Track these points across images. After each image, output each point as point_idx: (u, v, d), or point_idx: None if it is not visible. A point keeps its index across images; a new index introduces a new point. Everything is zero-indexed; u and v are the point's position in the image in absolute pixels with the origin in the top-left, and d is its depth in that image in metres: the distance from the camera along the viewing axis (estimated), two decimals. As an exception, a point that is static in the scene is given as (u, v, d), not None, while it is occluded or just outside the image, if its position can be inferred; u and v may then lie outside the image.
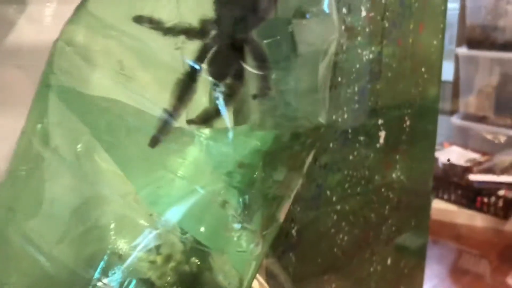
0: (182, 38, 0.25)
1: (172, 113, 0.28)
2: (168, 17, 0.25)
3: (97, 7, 0.25)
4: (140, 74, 0.25)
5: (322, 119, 0.27)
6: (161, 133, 0.28)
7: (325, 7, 0.26)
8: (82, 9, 0.26)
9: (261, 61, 0.27)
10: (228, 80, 0.27)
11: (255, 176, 0.27)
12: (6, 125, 0.37)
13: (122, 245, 0.29)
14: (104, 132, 0.28)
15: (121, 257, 0.29)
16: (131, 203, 0.28)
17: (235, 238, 0.26)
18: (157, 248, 0.29)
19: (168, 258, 0.30)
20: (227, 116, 0.27)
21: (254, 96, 0.28)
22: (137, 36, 0.24)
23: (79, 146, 0.26)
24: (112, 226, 0.29)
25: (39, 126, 0.26)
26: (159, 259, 0.30)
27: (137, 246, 0.29)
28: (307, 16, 0.28)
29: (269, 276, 0.50)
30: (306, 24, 0.26)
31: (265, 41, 0.29)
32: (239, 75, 0.27)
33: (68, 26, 0.26)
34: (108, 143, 0.28)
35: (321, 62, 0.27)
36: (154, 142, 0.28)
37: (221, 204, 0.27)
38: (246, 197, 0.27)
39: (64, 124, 0.26)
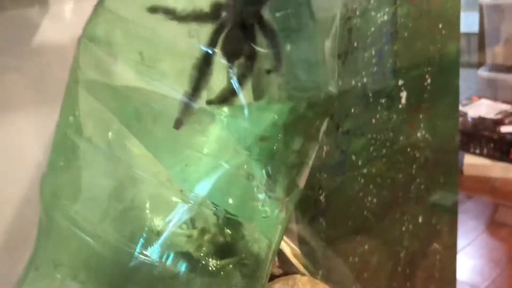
0: (195, 25, 0.26)
1: (192, 96, 0.29)
2: (182, 5, 0.26)
3: (114, 2, 0.26)
4: (159, 63, 0.27)
5: (332, 88, 0.28)
6: (184, 115, 0.30)
7: None
8: (99, 6, 0.27)
9: (272, 38, 0.28)
10: (242, 59, 0.28)
11: (275, 147, 0.28)
12: (41, 120, 0.40)
13: (158, 221, 0.31)
14: (132, 119, 0.30)
15: (158, 233, 0.31)
16: (163, 182, 0.30)
17: (261, 206, 0.28)
18: (192, 222, 0.31)
19: (203, 231, 0.32)
20: (242, 94, 0.28)
21: (268, 71, 0.29)
22: (153, 27, 0.26)
23: (110, 133, 0.28)
24: (147, 204, 0.31)
25: (71, 118, 0.28)
26: (194, 233, 0.32)
27: (171, 221, 0.31)
28: None
29: (301, 243, 0.52)
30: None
31: (277, 14, 0.30)
32: (252, 54, 0.28)
33: (89, 24, 0.27)
34: (136, 128, 0.30)
35: (327, 33, 0.28)
36: (178, 124, 0.30)
37: (245, 176, 0.29)
38: (268, 168, 0.28)
39: (94, 114, 0.28)
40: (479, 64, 1.68)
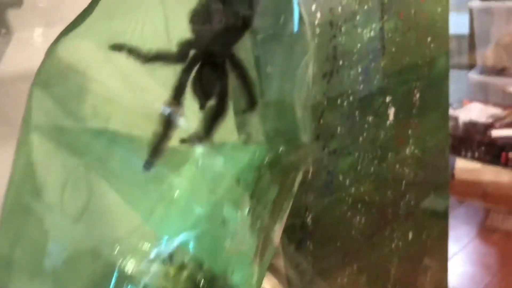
0: (159, 65, 0.24)
1: (162, 137, 0.28)
2: (147, 45, 0.25)
3: (67, 49, 0.24)
4: (114, 121, 0.25)
5: (304, 138, 0.26)
6: (154, 156, 0.28)
7: (295, 27, 0.25)
8: (51, 53, 0.25)
9: (244, 77, 0.26)
10: (214, 99, 0.27)
11: (251, 194, 0.27)
12: (3, 154, 0.38)
13: (128, 267, 0.29)
14: (97, 162, 0.28)
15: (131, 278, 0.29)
16: (136, 228, 0.28)
17: (235, 259, 0.26)
18: (164, 267, 0.30)
19: (181, 268, 0.30)
20: (215, 134, 0.27)
21: (243, 111, 0.28)
22: (106, 82, 0.24)
23: (71, 180, 0.26)
24: (117, 250, 0.29)
25: (26, 173, 0.26)
26: (172, 270, 0.31)
27: (143, 266, 0.29)
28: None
29: (288, 267, 0.51)
30: (278, 44, 0.25)
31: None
32: (224, 93, 0.26)
33: (41, 72, 0.26)
34: (104, 171, 0.28)
35: (298, 81, 0.26)
36: (148, 165, 0.28)
37: (219, 222, 0.27)
38: (245, 216, 0.27)
39: (53, 163, 0.26)
40: (470, 66, 1.67)
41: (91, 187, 0.28)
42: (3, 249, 0.25)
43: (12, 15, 0.38)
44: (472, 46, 1.67)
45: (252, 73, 0.26)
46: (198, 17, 0.25)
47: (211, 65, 0.26)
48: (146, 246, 0.28)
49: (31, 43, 0.38)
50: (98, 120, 0.24)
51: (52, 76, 0.25)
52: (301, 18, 0.25)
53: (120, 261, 0.30)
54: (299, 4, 0.24)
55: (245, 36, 0.26)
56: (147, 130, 0.26)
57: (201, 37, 0.26)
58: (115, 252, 0.29)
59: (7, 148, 0.38)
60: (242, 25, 0.26)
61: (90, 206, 0.28)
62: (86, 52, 0.25)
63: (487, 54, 1.62)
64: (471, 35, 1.67)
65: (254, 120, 0.27)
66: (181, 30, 0.27)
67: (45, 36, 0.39)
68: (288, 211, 0.27)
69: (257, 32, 0.26)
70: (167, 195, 0.29)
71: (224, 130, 0.28)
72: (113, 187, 0.29)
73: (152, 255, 0.29)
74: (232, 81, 0.26)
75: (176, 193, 0.29)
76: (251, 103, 0.27)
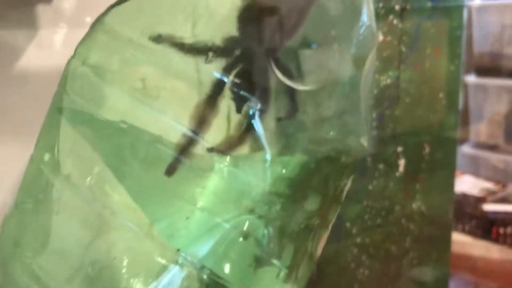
0: (204, 57, 0.23)
1: (191, 139, 0.26)
2: (191, 36, 0.23)
3: (115, 20, 0.23)
4: (164, 92, 0.23)
5: (363, 140, 0.25)
6: (179, 160, 0.26)
7: (365, 17, 0.24)
8: (98, 24, 0.24)
9: (288, 81, 0.25)
10: (254, 102, 0.25)
11: (283, 206, 0.24)
12: (13, 154, 0.35)
13: (137, 285, 0.26)
14: (118, 160, 0.26)
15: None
16: (147, 238, 0.26)
17: (263, 276, 0.24)
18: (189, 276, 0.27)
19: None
20: (256, 141, 0.25)
21: (279, 119, 0.26)
22: (162, 50, 0.22)
23: (92, 175, 0.23)
24: (126, 263, 0.26)
25: (48, 153, 0.24)
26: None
27: (152, 285, 0.26)
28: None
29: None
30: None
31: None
32: (266, 97, 0.25)
33: (83, 43, 0.24)
34: (122, 172, 0.26)
35: (360, 76, 0.25)
36: (171, 170, 0.26)
37: (246, 239, 0.25)
38: (274, 229, 0.24)
39: (76, 151, 0.24)
40: (462, 140, 1.69)
41: (107, 189, 0.26)
42: (15, 223, 0.23)
43: (37, 13, 0.37)
44: (465, 121, 1.71)
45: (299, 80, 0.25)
46: (247, 16, 0.24)
47: (256, 66, 0.25)
48: (164, 260, 0.25)
49: (53, 43, 0.37)
50: (146, 98, 0.22)
51: (97, 48, 0.23)
52: (367, 5, 0.24)
53: (126, 275, 0.27)
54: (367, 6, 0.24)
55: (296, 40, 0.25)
56: (186, 113, 0.24)
57: (247, 36, 0.25)
58: (125, 263, 0.26)
59: (15, 149, 0.35)
60: (292, 28, 0.25)
61: (104, 213, 0.25)
62: (138, 24, 0.23)
63: (480, 130, 1.65)
64: (465, 109, 1.71)
65: (291, 129, 0.26)
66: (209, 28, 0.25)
67: (67, 37, 0.38)
68: (333, 221, 0.25)
69: (311, 37, 0.25)
70: (190, 205, 0.27)
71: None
72: (131, 193, 0.26)
73: (162, 271, 0.27)
74: (274, 86, 0.25)
75: (199, 204, 0.27)
76: (293, 111, 0.25)
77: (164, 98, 0.23)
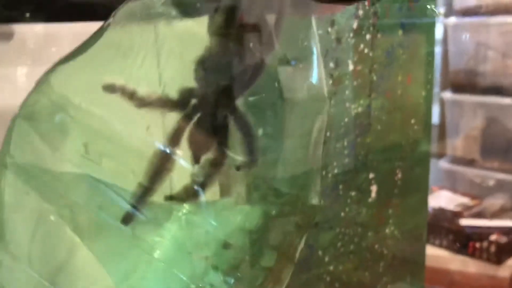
0: (152, 116, 0.23)
1: (147, 189, 0.25)
2: (144, 89, 0.23)
3: (60, 80, 0.23)
4: (106, 160, 0.22)
5: (314, 201, 0.24)
6: (135, 209, 0.25)
7: (314, 79, 0.24)
8: (43, 83, 0.23)
9: (246, 132, 0.25)
10: (211, 154, 0.25)
11: (242, 260, 0.24)
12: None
13: None
14: (72, 211, 0.25)
15: None
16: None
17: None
18: None
19: None
20: (206, 193, 0.25)
21: (238, 168, 0.26)
22: (104, 117, 0.22)
23: (44, 228, 0.23)
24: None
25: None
26: None
27: None
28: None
29: None
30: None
31: (250, 98, 0.27)
32: (222, 147, 0.25)
33: (27, 102, 0.23)
34: (76, 223, 0.25)
35: (310, 134, 0.25)
36: (128, 219, 0.26)
37: (204, 291, 0.24)
38: (231, 283, 0.24)
39: (24, 205, 0.23)
40: (439, 155, 1.71)
41: (61, 241, 0.25)
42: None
43: (-1, 50, 0.36)
44: (442, 136, 1.73)
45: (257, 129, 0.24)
46: (204, 67, 0.24)
47: (212, 116, 0.24)
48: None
49: (14, 80, 0.36)
50: (88, 160, 0.22)
51: (42, 107, 0.23)
52: (319, 71, 0.24)
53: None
54: (318, 55, 0.24)
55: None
56: (134, 178, 0.23)
57: (204, 87, 0.24)
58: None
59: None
60: (249, 80, 0.25)
61: (57, 264, 0.25)
62: (82, 86, 0.23)
63: (456, 145, 1.67)
64: (442, 125, 1.73)
65: (249, 179, 0.25)
66: (174, 79, 0.25)
67: (29, 75, 0.37)
68: (286, 281, 0.25)
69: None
70: (146, 255, 0.26)
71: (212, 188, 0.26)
72: (85, 243, 0.25)
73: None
74: (231, 136, 0.25)
75: (156, 253, 0.26)
76: (251, 160, 0.25)
77: (107, 165, 0.22)
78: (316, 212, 0.24)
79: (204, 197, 0.26)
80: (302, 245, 0.24)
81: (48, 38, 0.38)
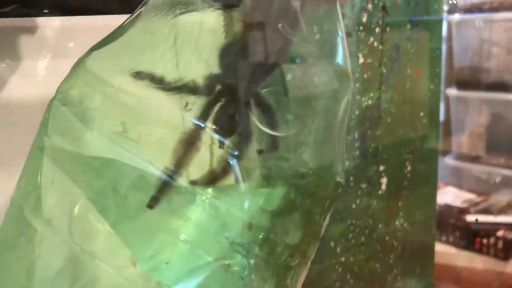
0: (185, 96, 0.23)
1: (173, 173, 0.26)
2: (172, 74, 0.24)
3: (96, 63, 0.23)
4: (144, 137, 0.23)
5: (340, 178, 0.25)
6: (161, 193, 0.26)
7: (340, 59, 0.25)
8: (79, 66, 0.24)
9: (269, 116, 0.26)
10: (235, 137, 0.25)
11: (264, 239, 0.25)
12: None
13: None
14: (100, 194, 0.26)
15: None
16: (130, 274, 0.26)
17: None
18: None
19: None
20: (234, 175, 0.25)
21: (260, 151, 0.26)
22: (140, 95, 0.23)
23: (72, 216, 0.24)
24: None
25: (31, 195, 0.24)
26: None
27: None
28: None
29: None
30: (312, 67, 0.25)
31: (264, 90, 0.28)
32: (246, 131, 0.25)
33: (64, 85, 0.24)
34: (105, 205, 0.26)
35: (335, 113, 0.25)
36: (153, 203, 0.26)
37: (228, 272, 0.25)
38: (256, 263, 0.25)
39: (57, 188, 0.24)
40: (445, 152, 1.72)
41: (91, 225, 0.26)
42: None
43: (20, 44, 0.37)
44: (447, 133, 1.73)
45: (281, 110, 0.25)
46: (228, 53, 0.25)
47: (236, 102, 0.25)
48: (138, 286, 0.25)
49: (35, 73, 0.37)
50: (124, 139, 0.23)
51: (78, 89, 0.23)
52: (344, 51, 0.24)
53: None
54: (343, 36, 0.24)
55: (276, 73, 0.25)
56: (168, 156, 0.24)
57: (229, 73, 0.25)
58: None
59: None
60: (272, 65, 0.25)
61: (87, 247, 0.25)
62: (117, 68, 0.24)
63: (462, 141, 1.68)
64: (447, 122, 1.74)
65: (271, 161, 0.26)
66: (199, 65, 0.26)
67: (50, 68, 0.38)
68: (312, 257, 0.26)
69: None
70: (172, 238, 0.27)
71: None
72: (113, 227, 0.26)
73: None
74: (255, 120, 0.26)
75: (182, 236, 0.27)
76: (273, 144, 0.26)
77: (144, 142, 0.23)
78: (340, 190, 0.25)
79: (227, 180, 0.27)
80: (327, 221, 0.25)
81: (66, 32, 0.39)
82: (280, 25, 0.23)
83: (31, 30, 0.36)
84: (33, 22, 0.37)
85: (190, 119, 0.23)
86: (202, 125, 0.24)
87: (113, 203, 0.27)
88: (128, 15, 0.27)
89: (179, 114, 0.23)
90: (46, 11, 0.40)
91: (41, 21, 0.37)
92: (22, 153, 0.28)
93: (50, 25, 0.38)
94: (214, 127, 0.24)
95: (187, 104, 0.23)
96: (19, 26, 0.35)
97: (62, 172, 0.23)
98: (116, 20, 0.33)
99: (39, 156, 0.24)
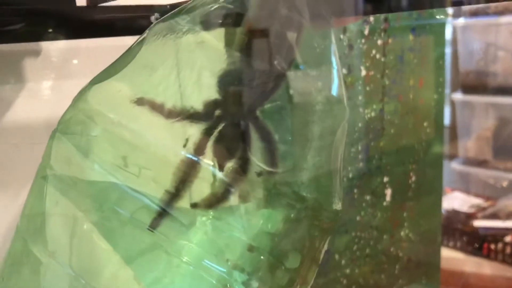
0: (185, 122, 0.24)
1: (174, 196, 0.26)
2: (171, 101, 0.24)
3: (97, 96, 0.24)
4: (144, 171, 0.24)
5: (336, 206, 0.25)
6: (162, 215, 0.27)
7: (334, 90, 0.25)
8: (79, 98, 0.25)
9: (268, 140, 0.26)
10: (233, 162, 0.26)
11: (266, 262, 0.25)
12: (1, 205, 0.36)
13: None
14: (103, 217, 0.26)
15: None
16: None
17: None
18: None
19: None
20: (234, 197, 0.26)
21: (259, 174, 0.27)
22: (139, 129, 0.23)
23: (77, 239, 0.24)
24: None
25: (35, 222, 0.24)
26: None
27: None
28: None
29: None
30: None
31: (268, 105, 0.28)
32: (245, 156, 0.26)
33: (65, 116, 0.25)
34: (107, 228, 0.27)
35: (333, 144, 0.26)
36: (155, 224, 0.27)
37: (231, 294, 0.25)
38: (257, 286, 0.25)
39: (61, 214, 0.24)
40: (451, 156, 1.71)
41: (94, 248, 0.26)
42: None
43: (24, 66, 0.37)
44: (454, 137, 1.72)
45: (281, 136, 0.26)
46: (227, 80, 0.25)
47: (235, 126, 0.26)
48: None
49: (40, 94, 0.38)
50: (126, 172, 0.23)
51: (79, 122, 0.24)
52: (339, 81, 0.25)
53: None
54: (337, 67, 0.25)
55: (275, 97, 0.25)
56: (162, 187, 0.24)
57: (227, 98, 0.25)
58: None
59: (1, 196, 0.36)
60: (271, 90, 0.26)
61: (92, 268, 0.26)
62: (117, 103, 0.24)
63: (468, 146, 1.67)
64: (453, 126, 1.73)
65: (270, 183, 0.26)
66: (197, 92, 0.26)
67: (53, 89, 0.39)
68: (312, 282, 0.26)
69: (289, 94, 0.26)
70: (176, 260, 0.27)
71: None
72: (117, 249, 0.27)
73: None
74: (254, 144, 0.26)
75: (184, 258, 0.28)
76: (272, 167, 0.26)
77: (144, 178, 0.23)
78: (338, 217, 0.25)
79: (228, 203, 0.27)
80: (325, 247, 0.25)
81: (70, 53, 0.39)
82: (273, 57, 0.23)
83: (35, 52, 0.37)
84: (37, 45, 0.37)
85: (189, 155, 0.24)
86: (199, 159, 0.24)
87: (115, 225, 0.27)
88: (130, 37, 0.28)
89: (179, 146, 0.23)
90: (50, 30, 0.41)
91: (46, 44, 0.38)
92: (27, 174, 0.28)
93: (55, 47, 0.39)
94: (213, 153, 0.25)
95: (187, 140, 0.23)
96: (23, 50, 0.36)
97: (65, 198, 0.24)
98: (119, 41, 0.34)
99: (43, 185, 0.24)
